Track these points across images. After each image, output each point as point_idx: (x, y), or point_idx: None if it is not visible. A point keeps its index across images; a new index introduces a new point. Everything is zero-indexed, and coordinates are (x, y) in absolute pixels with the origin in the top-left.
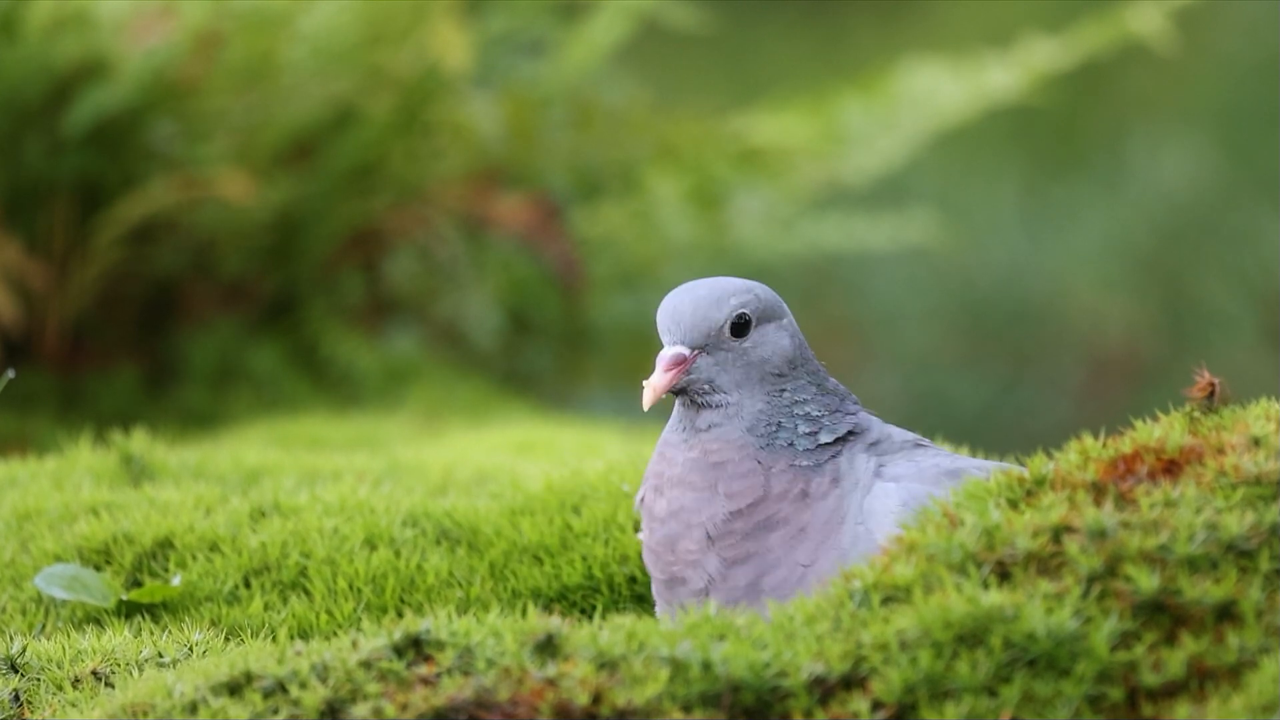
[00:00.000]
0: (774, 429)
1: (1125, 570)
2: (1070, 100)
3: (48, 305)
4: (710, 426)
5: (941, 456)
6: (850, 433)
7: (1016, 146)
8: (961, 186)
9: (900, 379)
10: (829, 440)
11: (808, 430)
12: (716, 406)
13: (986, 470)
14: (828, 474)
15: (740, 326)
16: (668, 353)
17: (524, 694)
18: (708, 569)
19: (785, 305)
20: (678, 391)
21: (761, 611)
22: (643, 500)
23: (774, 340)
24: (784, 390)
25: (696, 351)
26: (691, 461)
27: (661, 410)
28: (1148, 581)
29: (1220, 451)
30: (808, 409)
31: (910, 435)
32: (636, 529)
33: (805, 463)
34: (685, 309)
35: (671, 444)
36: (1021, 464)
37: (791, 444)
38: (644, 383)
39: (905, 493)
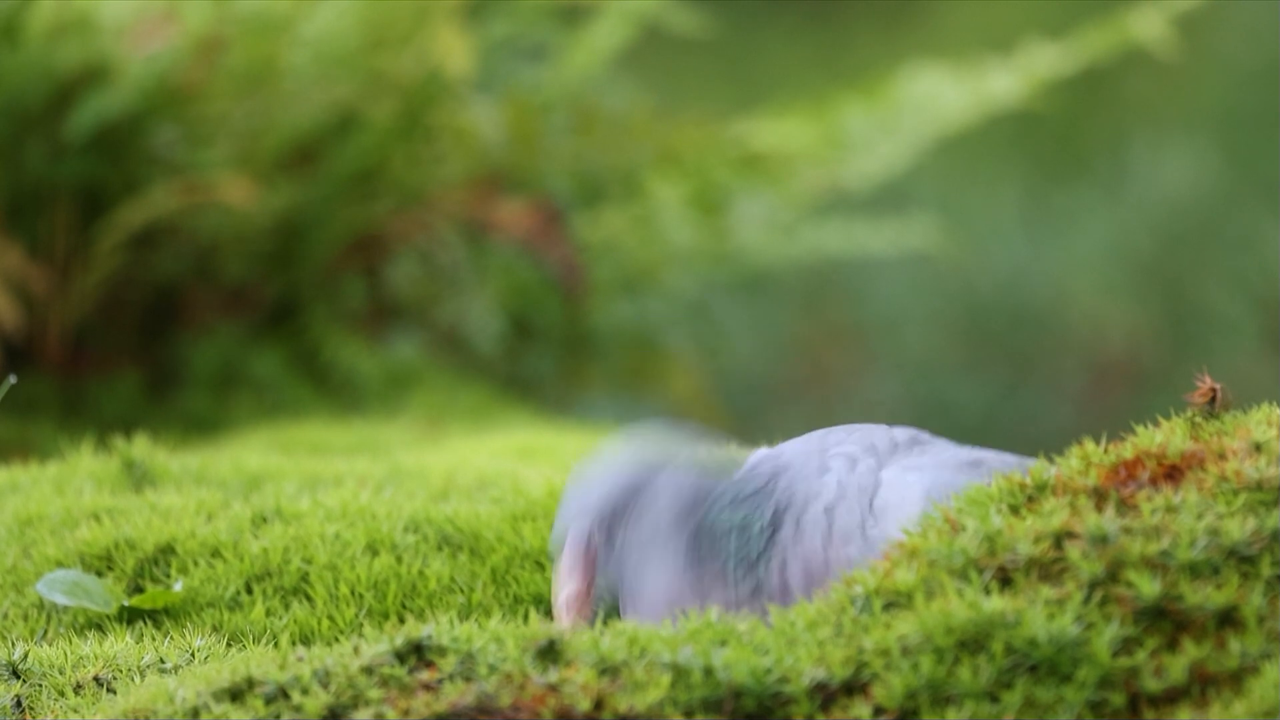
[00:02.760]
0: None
1: (1127, 576)
2: (1072, 106)
3: (49, 310)
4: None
5: (955, 448)
6: (771, 535)
7: (1018, 152)
8: (963, 192)
9: (902, 384)
10: (756, 555)
11: (742, 572)
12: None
13: (1006, 463)
14: (775, 564)
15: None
16: (563, 594)
17: (526, 699)
18: None
19: (659, 476)
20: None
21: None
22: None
23: (651, 515)
24: (700, 560)
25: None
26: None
27: (662, 417)
28: (1149, 587)
29: (1222, 457)
30: (729, 564)
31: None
32: None
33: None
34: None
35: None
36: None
37: (721, 574)
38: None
39: (930, 480)
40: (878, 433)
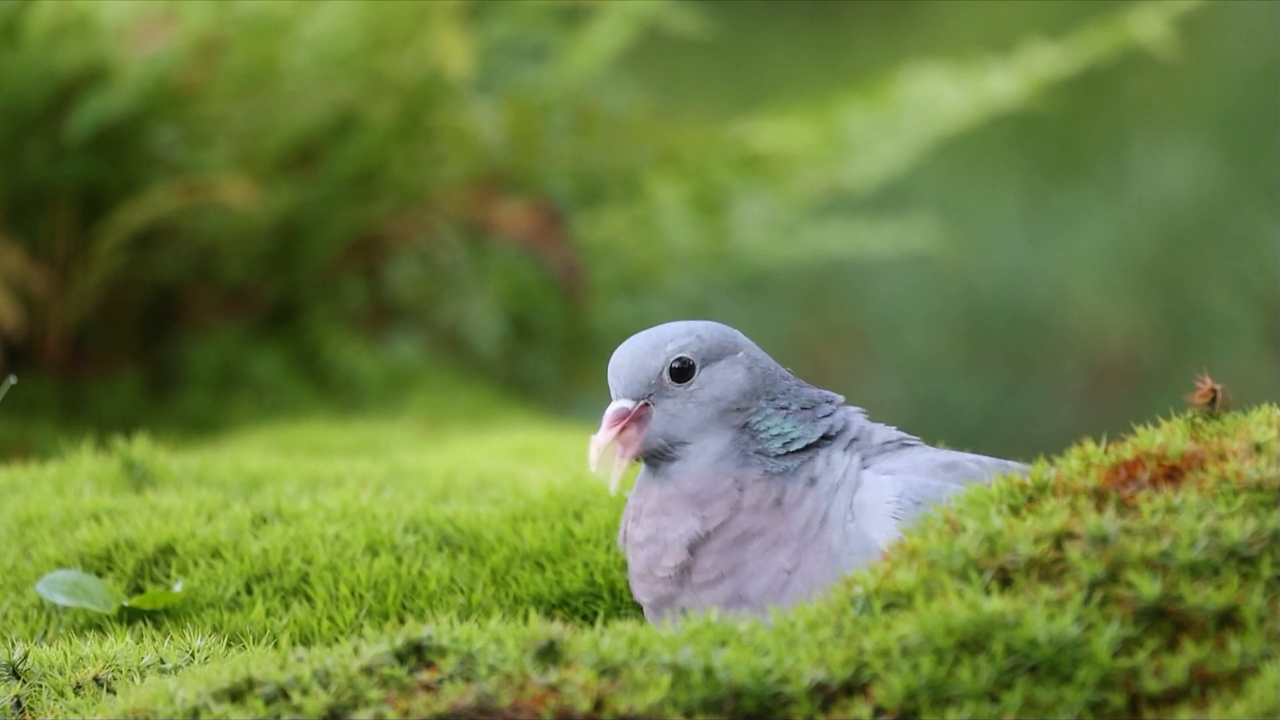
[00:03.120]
0: (746, 452)
1: (1127, 576)
2: (1072, 106)
3: (49, 311)
4: (681, 472)
5: (935, 451)
6: (825, 436)
7: (1018, 152)
8: (963, 192)
9: (902, 384)
10: (801, 447)
11: (779, 443)
12: (679, 457)
13: (983, 464)
14: (802, 478)
15: (681, 371)
16: (612, 408)
17: (526, 700)
18: (688, 583)
19: (740, 337)
20: (645, 458)
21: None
22: (624, 535)
23: (724, 378)
24: (747, 423)
25: (641, 403)
26: (668, 495)
27: None
28: (1149, 588)
29: (1222, 458)
30: (778, 429)
31: (896, 434)
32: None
33: (778, 469)
34: (624, 361)
35: (647, 483)
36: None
37: (763, 456)
38: (590, 438)
39: (902, 484)
40: (879, 431)
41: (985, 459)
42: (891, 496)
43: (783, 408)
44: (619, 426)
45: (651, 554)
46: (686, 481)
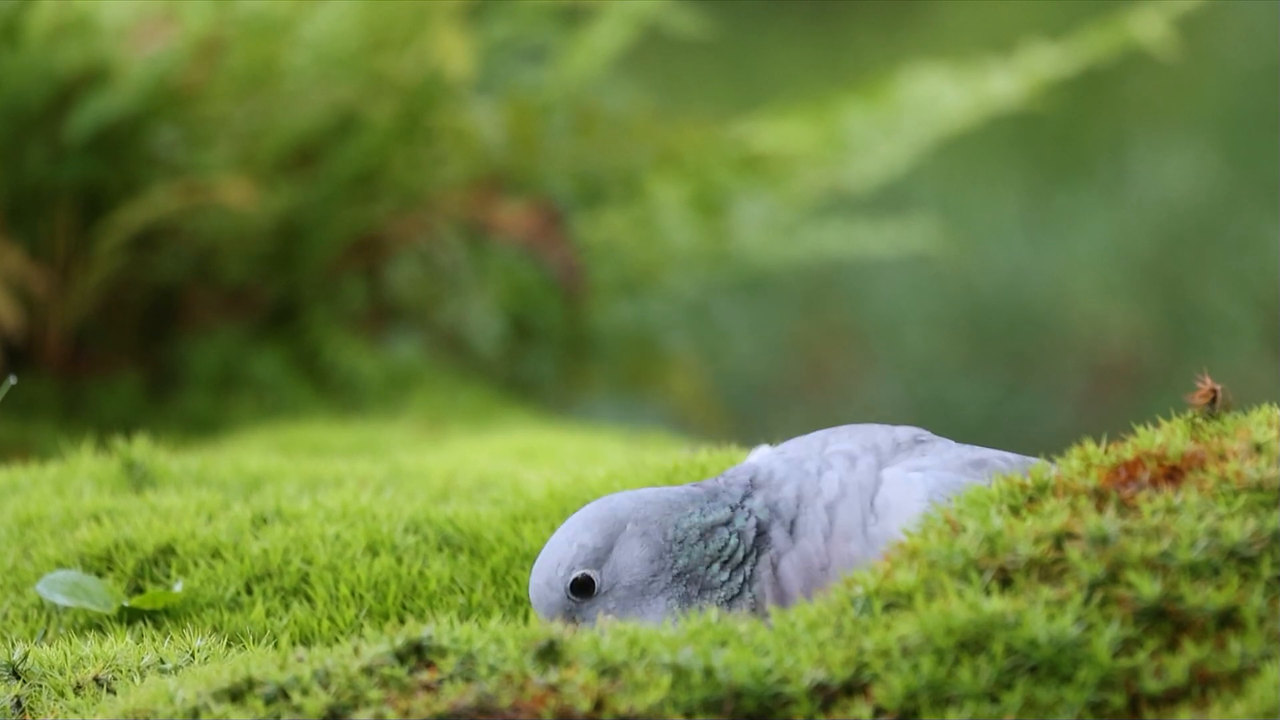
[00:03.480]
0: (688, 598)
1: (1127, 577)
2: (1072, 107)
3: (49, 311)
4: None
5: (959, 447)
6: (758, 526)
7: (1018, 153)
8: (963, 193)
9: (902, 385)
10: (741, 555)
11: (719, 568)
12: None
13: (1009, 461)
14: (764, 574)
15: (583, 588)
16: None
17: (526, 700)
18: None
19: (620, 506)
20: None
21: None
22: None
23: (626, 563)
24: (676, 576)
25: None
26: None
27: (663, 418)
28: (1149, 588)
29: (1222, 458)
30: (708, 562)
31: (906, 433)
32: None
33: (732, 594)
34: (535, 602)
35: None
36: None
37: (711, 590)
38: None
39: (934, 481)
40: (880, 433)
41: (1011, 456)
42: (923, 495)
43: (700, 536)
44: None
45: None
46: None
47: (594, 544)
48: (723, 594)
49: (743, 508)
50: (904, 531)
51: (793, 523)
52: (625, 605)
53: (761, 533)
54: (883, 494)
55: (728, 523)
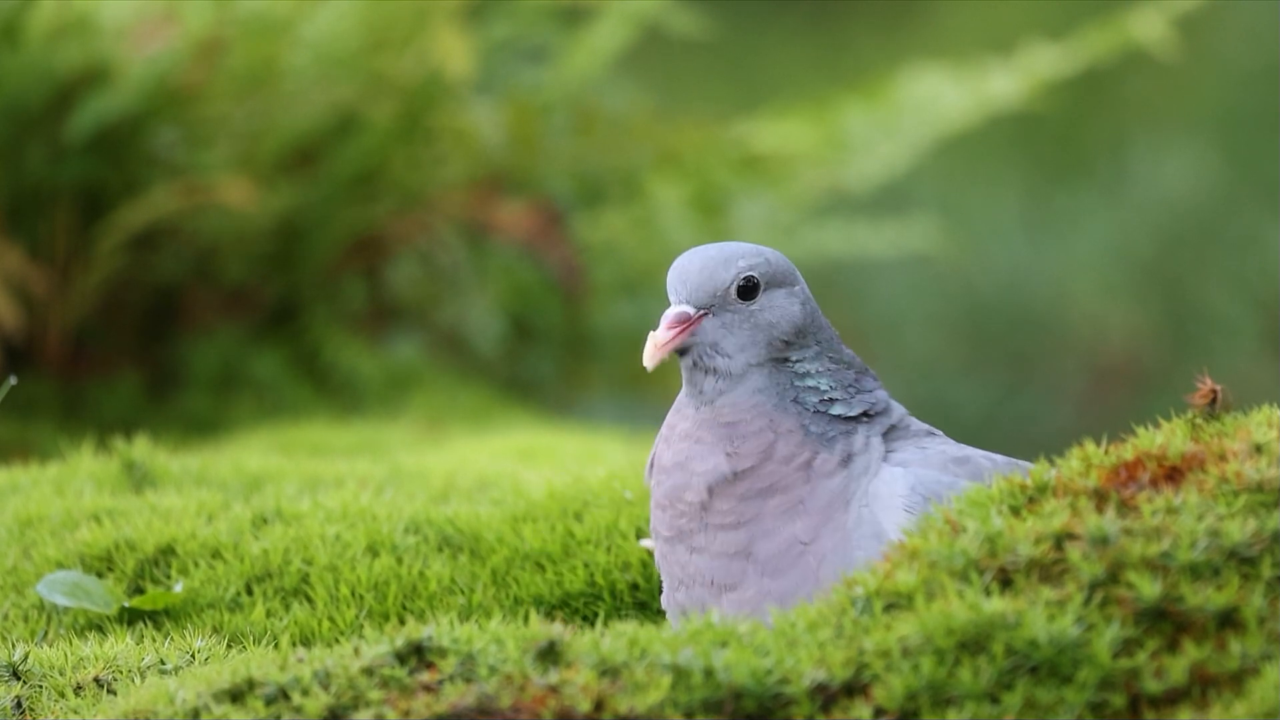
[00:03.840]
0: (784, 393)
1: (1127, 577)
2: (1072, 107)
3: (50, 311)
4: (720, 394)
5: (950, 445)
6: (865, 413)
7: (1018, 153)
8: (963, 193)
9: (903, 385)
10: (841, 415)
11: (818, 400)
12: (720, 372)
13: (995, 461)
14: (837, 451)
15: (747, 289)
16: (672, 311)
17: (526, 701)
18: (705, 522)
19: (799, 273)
20: (681, 352)
21: (752, 577)
22: (653, 458)
23: (783, 306)
24: (789, 359)
25: (702, 312)
26: (703, 420)
27: (662, 418)
28: (1150, 588)
29: (1222, 458)
30: (819, 381)
31: (925, 425)
32: (638, 536)
33: (815, 430)
34: (693, 269)
35: (684, 404)
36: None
37: (802, 410)
38: (649, 335)
39: (913, 478)
40: (914, 423)
41: (996, 456)
42: (903, 489)
43: (827, 358)
44: (680, 330)
45: (677, 483)
46: (724, 409)
47: (776, 268)
48: (796, 415)
49: (873, 398)
50: (904, 532)
51: (849, 454)
52: (752, 332)
53: (858, 420)
54: (875, 482)
55: (855, 385)
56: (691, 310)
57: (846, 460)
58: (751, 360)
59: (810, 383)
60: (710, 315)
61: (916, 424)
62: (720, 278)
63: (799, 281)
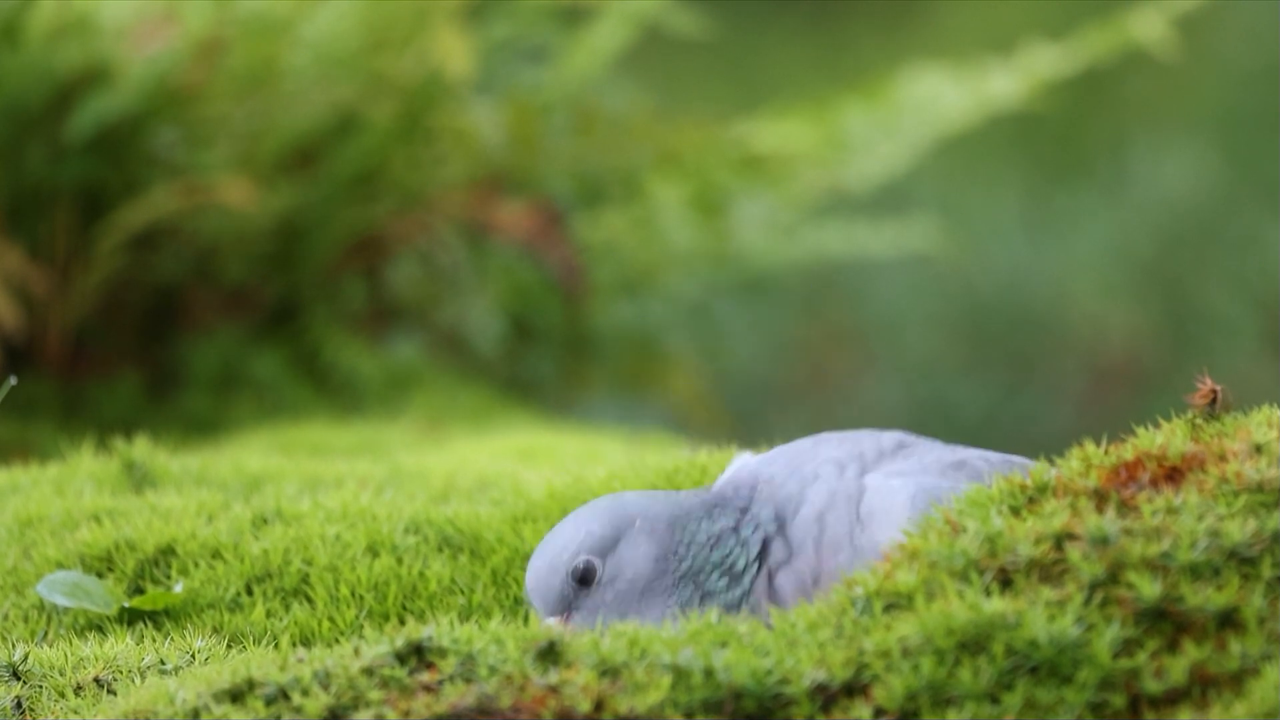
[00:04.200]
0: (688, 604)
1: (1127, 577)
2: (1072, 107)
3: (49, 312)
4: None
5: (939, 449)
6: (763, 545)
7: (1018, 153)
8: (963, 193)
9: (902, 385)
10: (742, 566)
11: (719, 576)
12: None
13: (990, 461)
14: (760, 585)
15: (585, 576)
16: (545, 626)
17: (526, 701)
18: None
19: (629, 504)
20: None
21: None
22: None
23: (630, 558)
24: (680, 579)
25: (566, 615)
26: None
27: (663, 418)
28: (1150, 589)
29: (1222, 458)
30: (710, 569)
31: (890, 439)
32: None
33: (734, 601)
34: (532, 587)
35: None
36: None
37: (711, 597)
38: None
39: (914, 487)
40: (865, 439)
41: (991, 455)
42: (905, 501)
43: (707, 542)
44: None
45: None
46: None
47: (602, 533)
48: (721, 601)
49: (751, 517)
50: (904, 532)
51: (787, 535)
52: (624, 601)
53: (766, 544)
54: (866, 502)
55: (735, 530)
56: (556, 620)
57: (772, 573)
58: (646, 614)
59: (708, 573)
60: (576, 614)
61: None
62: (555, 586)
63: (633, 515)
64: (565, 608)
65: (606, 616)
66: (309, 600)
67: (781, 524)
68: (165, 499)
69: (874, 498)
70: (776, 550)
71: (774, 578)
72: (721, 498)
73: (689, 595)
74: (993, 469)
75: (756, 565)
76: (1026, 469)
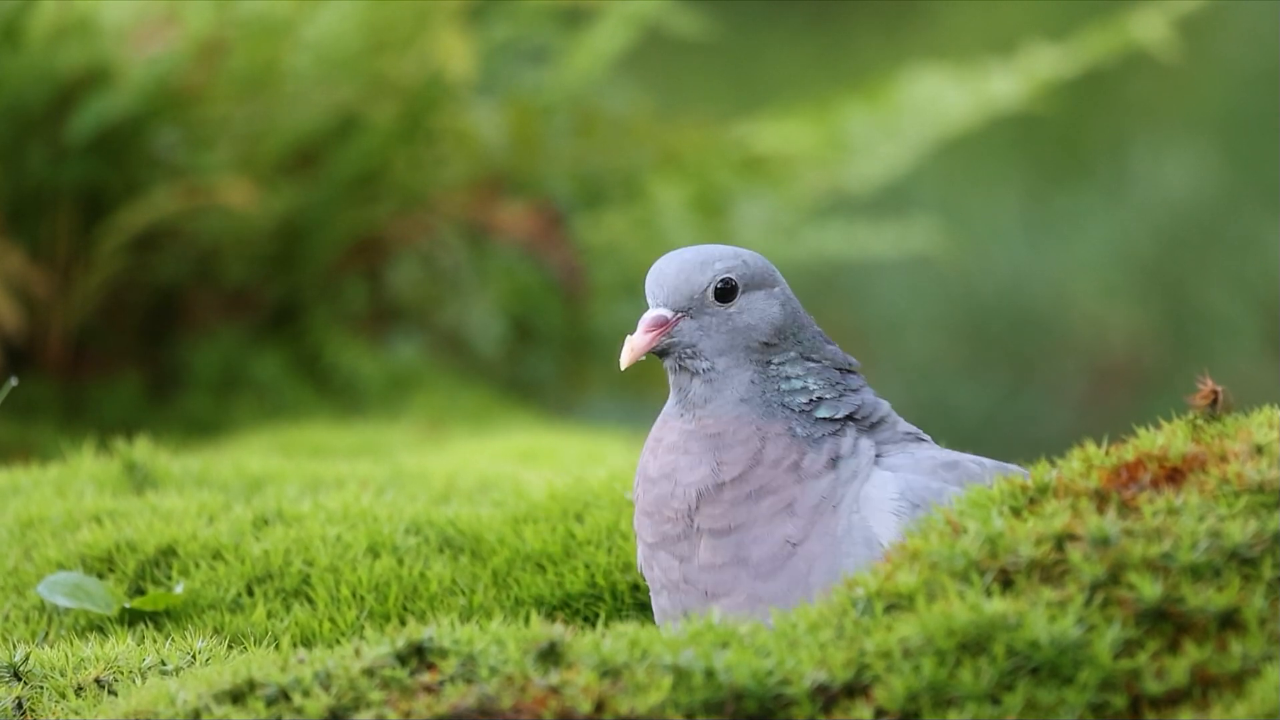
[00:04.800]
0: (770, 398)
1: (1128, 578)
2: (1073, 108)
3: (51, 313)
4: (705, 401)
5: (938, 450)
6: (851, 415)
7: (1019, 154)
8: (964, 194)
9: (903, 386)
10: (827, 417)
11: (805, 401)
12: (701, 374)
13: (983, 465)
14: (825, 452)
15: (724, 291)
16: (649, 314)
17: (527, 702)
18: (693, 528)
19: (779, 274)
20: (660, 354)
21: (743, 582)
22: (641, 467)
23: (761, 308)
24: (771, 361)
25: (679, 315)
26: (689, 432)
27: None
28: (1150, 589)
29: (1223, 459)
30: (804, 382)
31: (911, 428)
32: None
33: (802, 433)
34: (669, 272)
35: (670, 415)
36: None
37: (789, 413)
38: (626, 338)
39: (902, 483)
40: (901, 424)
41: (986, 460)
42: (893, 494)
43: (808, 359)
44: (657, 332)
45: (662, 492)
46: (709, 420)
47: (754, 269)
48: (790, 424)
49: (865, 398)
50: (905, 533)
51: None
52: (728, 336)
53: (851, 421)
54: (866, 487)
55: (843, 382)
56: (669, 313)
57: (834, 462)
58: (731, 363)
59: (796, 384)
60: (688, 318)
61: (903, 424)
62: (697, 280)
63: (779, 283)
64: (685, 310)
65: (705, 337)
66: (310, 601)
67: (865, 434)
68: (166, 500)
69: (870, 486)
70: (846, 444)
71: (837, 465)
72: (834, 358)
73: (769, 386)
74: (986, 471)
75: (834, 432)
76: (1023, 476)
